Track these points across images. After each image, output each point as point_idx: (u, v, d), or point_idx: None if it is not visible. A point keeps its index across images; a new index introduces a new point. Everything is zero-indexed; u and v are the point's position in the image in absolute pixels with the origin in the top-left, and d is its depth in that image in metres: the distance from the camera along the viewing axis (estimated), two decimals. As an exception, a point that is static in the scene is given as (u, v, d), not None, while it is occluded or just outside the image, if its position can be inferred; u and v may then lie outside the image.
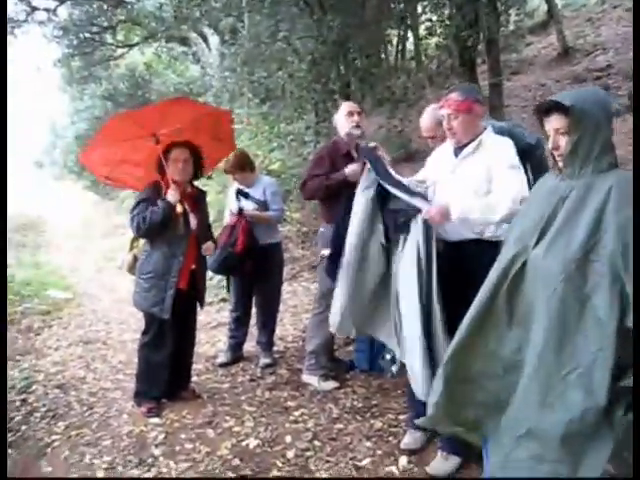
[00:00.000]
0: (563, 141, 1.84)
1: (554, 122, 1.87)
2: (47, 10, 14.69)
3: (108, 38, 17.13)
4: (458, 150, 2.67)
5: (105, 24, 15.95)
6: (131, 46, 18.00)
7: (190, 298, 3.67)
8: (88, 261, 12.04)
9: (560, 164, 1.90)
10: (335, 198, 3.38)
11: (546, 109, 1.90)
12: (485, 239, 2.54)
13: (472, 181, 2.55)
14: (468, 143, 2.62)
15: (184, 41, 15.45)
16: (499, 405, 1.95)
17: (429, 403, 2.12)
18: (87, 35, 15.99)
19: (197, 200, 3.67)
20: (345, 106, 3.70)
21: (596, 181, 1.77)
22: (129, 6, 14.68)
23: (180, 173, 3.48)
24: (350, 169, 3.41)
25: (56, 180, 33.50)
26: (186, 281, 3.55)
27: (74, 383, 4.36)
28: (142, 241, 3.65)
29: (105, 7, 15.19)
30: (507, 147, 2.56)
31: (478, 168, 2.55)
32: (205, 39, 13.75)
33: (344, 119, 3.63)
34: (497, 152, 2.54)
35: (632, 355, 1.65)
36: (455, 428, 2.14)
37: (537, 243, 1.85)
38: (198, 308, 3.86)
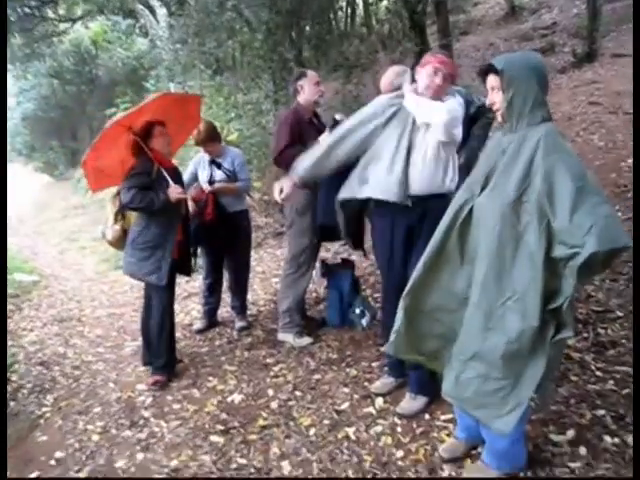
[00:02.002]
0: (498, 98, 2.10)
1: (490, 81, 2.13)
2: (-19, -15, 14.04)
3: (49, 13, 16.51)
4: None
5: (45, -2, 15.38)
6: (74, 20, 17.42)
7: (176, 268, 3.77)
8: (48, 243, 11.89)
9: (499, 119, 2.16)
10: None
11: (485, 70, 2.15)
12: (447, 192, 2.76)
13: None
14: None
15: (130, 14, 15.03)
16: (455, 337, 2.21)
17: (392, 331, 2.36)
18: (26, 10, 15.38)
19: (176, 173, 3.80)
20: (312, 76, 3.85)
21: (529, 133, 2.02)
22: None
23: (168, 145, 3.69)
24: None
25: (4, 163, 32.38)
26: (176, 251, 3.67)
27: (56, 359, 4.46)
28: (134, 215, 3.70)
29: (44, -20, 14.65)
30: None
31: None
32: (152, 11, 13.40)
33: (312, 88, 3.80)
34: None
35: (557, 281, 1.92)
36: (418, 357, 2.40)
37: (482, 190, 2.11)
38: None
